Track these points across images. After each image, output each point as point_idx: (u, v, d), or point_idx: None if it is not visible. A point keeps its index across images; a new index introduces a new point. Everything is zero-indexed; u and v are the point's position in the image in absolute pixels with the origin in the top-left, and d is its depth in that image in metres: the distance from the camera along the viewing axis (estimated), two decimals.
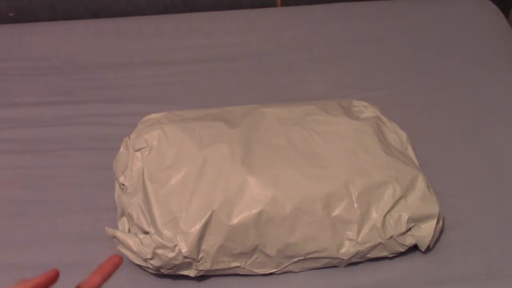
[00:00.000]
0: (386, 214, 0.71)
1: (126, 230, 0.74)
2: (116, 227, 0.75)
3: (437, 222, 0.72)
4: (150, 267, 0.69)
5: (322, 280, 0.71)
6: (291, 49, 1.12)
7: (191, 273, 0.70)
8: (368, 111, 0.86)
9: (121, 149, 0.81)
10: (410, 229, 0.72)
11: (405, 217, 0.71)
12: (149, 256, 0.68)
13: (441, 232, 0.76)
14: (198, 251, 0.69)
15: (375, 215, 0.71)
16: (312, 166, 0.74)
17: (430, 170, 0.82)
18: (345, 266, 0.72)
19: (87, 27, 1.18)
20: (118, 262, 0.52)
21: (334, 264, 0.72)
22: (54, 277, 0.46)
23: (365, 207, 0.71)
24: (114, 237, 0.71)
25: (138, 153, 0.77)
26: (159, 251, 0.68)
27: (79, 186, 0.85)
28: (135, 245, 0.69)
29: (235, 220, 0.69)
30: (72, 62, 1.10)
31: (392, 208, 0.72)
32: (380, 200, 0.72)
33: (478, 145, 0.90)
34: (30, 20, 1.25)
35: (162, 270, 0.70)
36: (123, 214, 0.75)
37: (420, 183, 0.74)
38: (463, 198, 0.81)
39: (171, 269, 0.69)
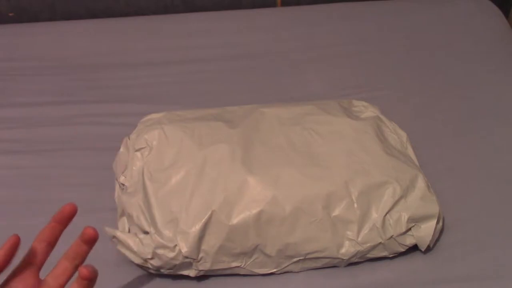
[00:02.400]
0: (386, 214, 0.71)
1: (126, 230, 0.74)
2: (116, 227, 0.75)
3: (437, 222, 0.72)
4: (150, 267, 0.69)
5: (322, 280, 0.71)
6: (291, 49, 1.12)
7: (191, 273, 0.70)
8: (368, 111, 0.86)
9: (121, 149, 0.81)
10: (410, 229, 0.72)
11: (405, 217, 0.71)
12: (149, 256, 0.68)
13: (441, 232, 0.76)
14: (198, 251, 0.69)
15: (375, 215, 0.71)
16: (312, 166, 0.74)
17: (430, 170, 0.82)
18: (345, 266, 0.72)
19: (87, 27, 1.19)
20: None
21: (334, 264, 0.72)
22: (15, 243, 0.49)
23: (365, 207, 0.71)
24: (114, 237, 0.71)
25: (138, 153, 0.77)
26: (159, 251, 0.68)
27: (79, 186, 0.85)
28: (135, 245, 0.69)
29: (235, 220, 0.69)
30: (72, 62, 1.10)
31: (392, 208, 0.72)
32: (380, 200, 0.72)
33: (478, 145, 0.90)
34: (30, 20, 1.25)
35: (162, 270, 0.70)
36: (123, 214, 0.75)
37: (420, 183, 0.74)
38: (463, 198, 0.81)
39: (171, 269, 0.69)
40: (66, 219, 0.54)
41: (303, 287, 0.71)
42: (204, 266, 0.69)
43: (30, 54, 1.12)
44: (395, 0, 1.26)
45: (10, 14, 1.25)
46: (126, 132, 0.84)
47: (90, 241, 0.52)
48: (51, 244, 0.53)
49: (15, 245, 0.50)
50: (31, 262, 0.52)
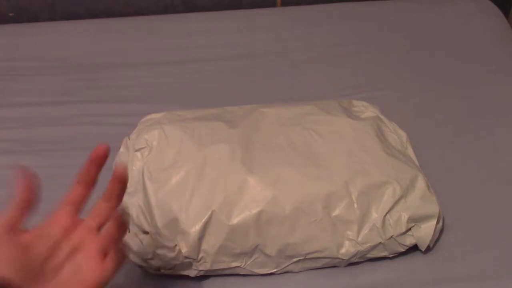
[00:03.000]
0: (386, 214, 0.71)
1: None
2: None
3: (437, 222, 0.72)
4: (150, 267, 0.69)
5: (322, 280, 0.71)
6: (291, 49, 1.12)
7: (191, 273, 0.70)
8: (368, 111, 0.86)
9: (121, 149, 0.81)
10: (410, 229, 0.72)
11: (405, 217, 0.71)
12: (149, 256, 0.68)
13: (441, 232, 0.76)
14: (198, 251, 0.69)
15: (375, 215, 0.71)
16: (312, 166, 0.74)
17: (430, 170, 0.82)
18: (345, 266, 0.72)
19: (87, 27, 1.19)
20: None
21: (334, 264, 0.72)
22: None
23: (365, 207, 0.71)
24: None
25: (138, 153, 0.77)
26: (159, 251, 0.68)
27: None
28: (135, 245, 0.69)
29: (235, 220, 0.69)
30: (72, 62, 1.10)
31: (392, 208, 0.72)
32: (380, 200, 0.72)
33: (478, 145, 0.90)
34: (30, 20, 1.25)
35: (162, 270, 0.70)
36: None
37: (420, 183, 0.74)
38: (463, 198, 0.81)
39: (171, 269, 0.69)
40: (100, 158, 0.52)
41: (303, 287, 0.71)
42: (204, 266, 0.69)
43: (30, 54, 1.12)
44: (395, 0, 1.26)
45: (10, 14, 1.25)
46: (126, 132, 0.84)
47: (121, 179, 0.51)
48: (89, 185, 0.52)
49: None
50: (69, 202, 0.51)
